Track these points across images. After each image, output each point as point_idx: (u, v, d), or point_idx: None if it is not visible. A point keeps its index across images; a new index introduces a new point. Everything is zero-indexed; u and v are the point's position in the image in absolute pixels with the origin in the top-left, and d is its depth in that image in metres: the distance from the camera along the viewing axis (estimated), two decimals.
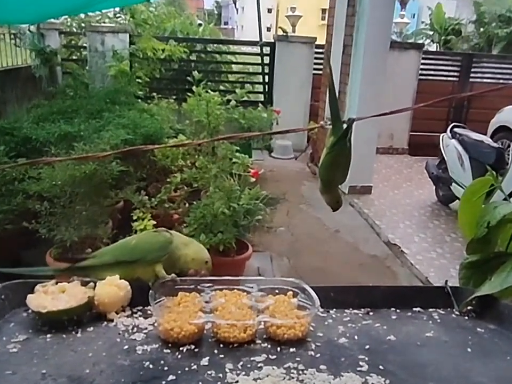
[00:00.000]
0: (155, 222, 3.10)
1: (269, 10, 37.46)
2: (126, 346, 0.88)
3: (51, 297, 0.97)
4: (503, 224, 1.25)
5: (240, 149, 3.84)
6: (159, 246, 1.08)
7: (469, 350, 0.93)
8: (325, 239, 4.45)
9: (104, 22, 7.06)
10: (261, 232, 3.99)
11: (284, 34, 7.33)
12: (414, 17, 26.39)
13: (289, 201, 5.09)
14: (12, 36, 6.04)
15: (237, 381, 0.79)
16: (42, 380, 0.76)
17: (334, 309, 1.08)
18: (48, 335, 0.90)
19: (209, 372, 0.82)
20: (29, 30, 6.26)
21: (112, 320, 0.96)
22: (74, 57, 6.92)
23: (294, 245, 4.25)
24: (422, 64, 7.58)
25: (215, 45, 7.59)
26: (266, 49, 7.08)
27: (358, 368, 0.85)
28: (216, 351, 0.89)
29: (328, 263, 3.96)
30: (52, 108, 4.38)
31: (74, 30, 7.12)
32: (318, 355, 0.89)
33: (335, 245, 4.34)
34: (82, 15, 6.87)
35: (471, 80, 7.87)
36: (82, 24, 6.94)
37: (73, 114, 4.19)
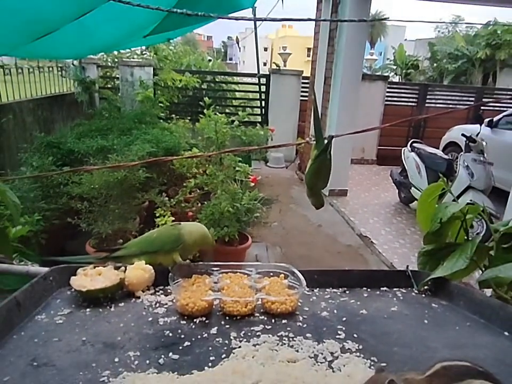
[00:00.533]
0: (173, 218, 3.10)
1: (265, 49, 37.53)
2: (150, 319, 0.87)
3: (90, 279, 0.97)
4: (453, 220, 1.25)
5: (242, 159, 3.83)
6: (174, 238, 1.07)
7: (426, 321, 0.93)
8: (310, 232, 4.45)
9: (133, 58, 7.05)
10: (258, 227, 3.99)
11: (277, 68, 7.36)
12: (381, 54, 26.40)
13: (281, 202, 5.08)
14: (59, 68, 6.02)
15: (240, 346, 0.78)
16: (82, 346, 0.76)
17: (318, 288, 1.07)
18: (88, 310, 0.90)
19: (217, 339, 0.81)
20: (72, 64, 6.25)
21: (139, 297, 0.96)
22: (109, 86, 6.90)
23: (285, 236, 4.24)
24: (387, 92, 7.60)
25: (222, 77, 7.58)
26: (263, 80, 7.08)
27: (337, 336, 0.84)
28: (223, 322, 0.88)
29: (313, 251, 3.95)
30: (91, 127, 4.37)
31: (109, 64, 7.10)
32: (305, 325, 0.89)
33: (318, 237, 4.33)
34: (115, 52, 6.86)
35: (426, 105, 7.89)
36: (116, 59, 6.93)
37: (108, 131, 4.18)
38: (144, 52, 7.47)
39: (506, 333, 0.86)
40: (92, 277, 0.98)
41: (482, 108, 7.79)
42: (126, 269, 1.00)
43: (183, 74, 6.22)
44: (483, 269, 1.21)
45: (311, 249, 4.00)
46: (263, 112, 7.03)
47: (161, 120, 5.26)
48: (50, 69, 5.67)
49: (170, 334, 0.82)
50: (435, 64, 18.84)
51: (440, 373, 0.54)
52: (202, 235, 1.12)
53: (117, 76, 6.66)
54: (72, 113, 5.83)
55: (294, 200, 5.32)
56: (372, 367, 0.74)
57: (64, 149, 3.61)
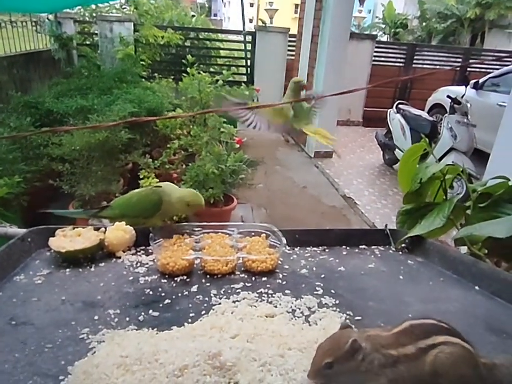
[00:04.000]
0: (158, 180, 3.06)
1: (251, 5, 35.84)
2: (131, 278, 0.87)
3: (69, 239, 0.96)
4: (432, 180, 1.26)
5: (227, 120, 3.75)
6: (153, 204, 1.05)
7: (401, 277, 0.95)
8: (295, 193, 4.47)
9: (112, 12, 6.67)
10: (243, 188, 3.98)
11: (263, 25, 7.07)
12: (370, 12, 25.58)
13: (266, 164, 5.06)
14: (33, 23, 5.67)
15: (220, 303, 0.79)
16: (61, 305, 0.76)
17: (298, 247, 1.09)
18: (67, 270, 0.89)
19: (197, 296, 0.82)
20: (47, 18, 5.88)
21: (119, 258, 0.95)
22: (87, 42, 6.55)
23: (270, 198, 4.26)
24: (375, 52, 7.42)
25: (206, 33, 7.27)
26: (249, 38, 6.81)
27: (315, 292, 0.86)
28: (203, 281, 0.89)
29: (297, 212, 3.99)
30: (70, 85, 4.18)
31: (87, 19, 6.70)
32: (284, 282, 0.90)
33: (302, 198, 4.36)
34: (93, 6, 6.47)
35: (413, 66, 7.76)
36: (94, 14, 6.54)
37: (88, 91, 4.01)
38: (123, 6, 7.06)
39: (476, 287, 0.90)
40: (71, 238, 0.97)
41: (469, 69, 7.72)
42: (106, 230, 0.99)
43: (165, 30, 5.92)
44: (460, 228, 1.24)
45: (296, 210, 4.04)
46: (249, 71, 6.83)
47: (143, 79, 5.06)
48: (24, 23, 5.33)
49: (151, 292, 0.82)
50: (424, 24, 18.40)
51: (407, 331, 0.55)
52: (187, 196, 1.08)
53: (96, 32, 6.31)
54: (49, 72, 5.55)
55: (280, 162, 5.30)
56: (347, 320, 0.76)
57: (43, 109, 3.47)
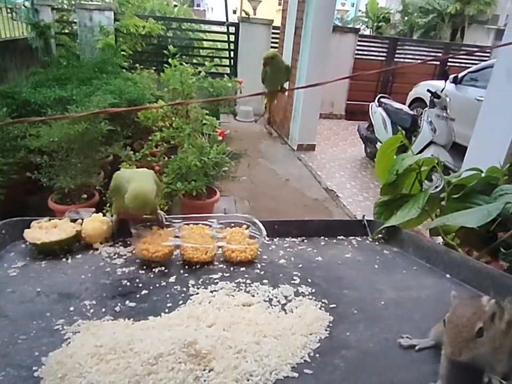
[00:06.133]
0: None
1: None
2: (108, 269, 0.87)
3: (45, 231, 0.94)
4: (408, 172, 1.29)
5: (209, 112, 3.73)
6: (112, 188, 1.04)
7: (376, 266, 0.97)
8: (278, 186, 4.49)
9: (91, 0, 6.50)
10: (227, 181, 3.99)
11: (247, 16, 7.01)
12: (353, 6, 25.62)
13: (250, 156, 5.07)
14: (8, 10, 5.47)
15: (197, 293, 0.80)
16: (37, 297, 0.75)
17: (277, 238, 1.10)
18: (43, 262, 0.88)
19: (175, 287, 0.82)
20: (23, 5, 5.70)
21: (97, 249, 0.95)
22: (66, 31, 6.37)
23: (253, 190, 4.27)
24: (358, 45, 7.45)
25: (188, 24, 7.16)
26: (232, 29, 6.75)
27: (292, 281, 0.88)
28: (182, 271, 0.89)
29: (280, 205, 4.01)
30: (48, 75, 4.06)
31: (65, 6, 6.52)
32: (263, 272, 0.91)
33: (285, 191, 4.39)
34: None
35: (395, 59, 7.84)
36: (72, 2, 6.36)
37: (66, 81, 3.91)
38: None
39: (448, 275, 0.93)
40: (47, 230, 0.95)
41: (449, 64, 7.84)
42: (83, 221, 0.98)
43: (146, 20, 5.82)
44: (434, 219, 1.27)
45: (279, 202, 4.06)
46: (232, 63, 6.78)
47: (124, 70, 4.96)
48: None
49: (128, 283, 0.82)
50: (406, 18, 18.55)
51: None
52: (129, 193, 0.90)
53: (75, 20, 6.14)
54: (26, 61, 5.39)
55: (263, 155, 5.31)
56: (322, 308, 0.77)
57: (20, 99, 3.37)
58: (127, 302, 0.75)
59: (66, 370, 0.54)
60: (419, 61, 7.89)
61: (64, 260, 0.89)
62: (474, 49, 8.39)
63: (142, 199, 0.87)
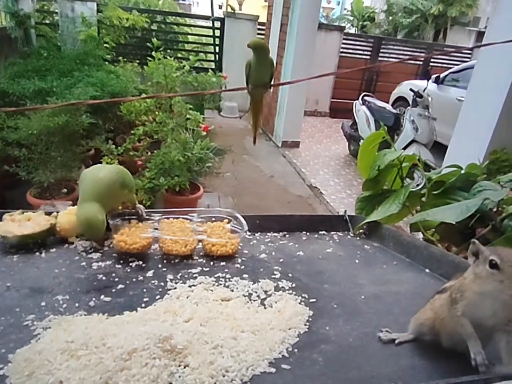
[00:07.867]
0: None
1: None
2: (83, 263, 0.84)
3: (18, 224, 0.91)
4: (390, 167, 1.29)
5: (193, 107, 3.68)
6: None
7: (357, 261, 0.97)
8: (262, 182, 4.48)
9: None
10: (211, 177, 3.96)
11: (232, 11, 6.96)
12: (338, 4, 25.75)
13: (234, 152, 5.05)
14: None
15: (175, 288, 0.78)
16: (6, 291, 0.72)
17: (259, 232, 1.09)
18: (15, 256, 0.85)
19: (152, 282, 0.80)
20: None
21: (72, 243, 0.92)
22: (47, 22, 6.20)
23: (237, 187, 4.25)
24: (343, 43, 7.49)
25: (173, 17, 7.07)
26: (217, 24, 6.69)
27: (273, 276, 0.87)
28: (160, 266, 0.87)
29: (264, 201, 4.00)
30: (27, 66, 3.93)
31: None
32: (243, 267, 0.90)
33: (269, 187, 4.38)
34: None
35: (379, 58, 7.91)
36: None
37: (47, 72, 3.79)
38: None
39: (427, 270, 0.93)
40: (20, 223, 0.92)
41: (431, 64, 7.96)
42: (58, 214, 0.95)
43: (130, 12, 5.70)
44: (415, 214, 1.28)
45: (263, 199, 4.05)
46: (217, 58, 6.73)
47: (107, 62, 4.85)
48: None
49: (104, 278, 0.80)
50: (390, 18, 18.75)
51: None
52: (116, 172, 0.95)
53: (56, 10, 5.98)
54: (4, 51, 5.21)
55: (247, 151, 5.29)
56: (302, 303, 0.77)
57: None
58: (102, 296, 0.73)
59: (34, 368, 0.52)
60: (403, 59, 7.99)
61: (37, 253, 0.86)
62: (456, 49, 8.53)
63: (88, 228, 0.86)
